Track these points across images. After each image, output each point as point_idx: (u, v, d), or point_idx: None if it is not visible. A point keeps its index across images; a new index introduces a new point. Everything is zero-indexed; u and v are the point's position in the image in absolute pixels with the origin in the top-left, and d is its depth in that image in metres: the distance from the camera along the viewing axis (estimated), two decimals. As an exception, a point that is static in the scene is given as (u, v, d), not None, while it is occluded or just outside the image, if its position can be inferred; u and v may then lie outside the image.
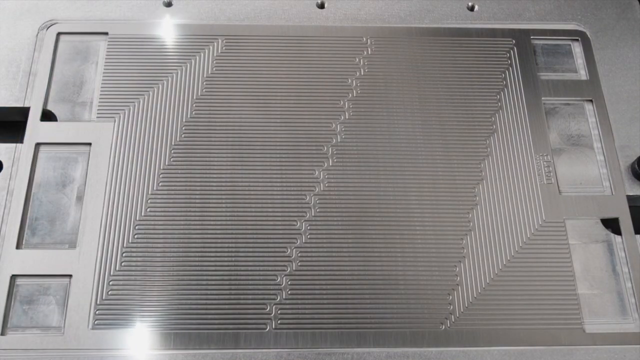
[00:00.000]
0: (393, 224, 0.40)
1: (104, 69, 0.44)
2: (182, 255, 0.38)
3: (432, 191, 0.41)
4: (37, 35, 0.45)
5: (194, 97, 0.43)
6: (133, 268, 0.38)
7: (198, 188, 0.40)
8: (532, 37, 0.47)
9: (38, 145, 0.41)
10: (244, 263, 0.38)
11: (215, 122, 0.43)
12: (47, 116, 0.43)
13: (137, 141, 0.42)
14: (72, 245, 0.39)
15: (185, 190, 0.40)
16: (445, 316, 0.38)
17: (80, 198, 0.40)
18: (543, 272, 0.39)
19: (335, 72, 0.45)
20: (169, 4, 0.47)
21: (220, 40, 0.45)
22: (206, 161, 0.41)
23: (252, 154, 0.42)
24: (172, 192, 0.40)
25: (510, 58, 0.46)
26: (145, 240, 0.39)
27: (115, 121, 0.42)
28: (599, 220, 0.41)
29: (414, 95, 0.44)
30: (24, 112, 0.43)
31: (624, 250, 0.40)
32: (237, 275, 0.38)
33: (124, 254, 0.38)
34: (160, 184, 0.40)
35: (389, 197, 0.41)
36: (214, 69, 0.44)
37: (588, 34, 0.47)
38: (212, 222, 0.39)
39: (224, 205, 0.40)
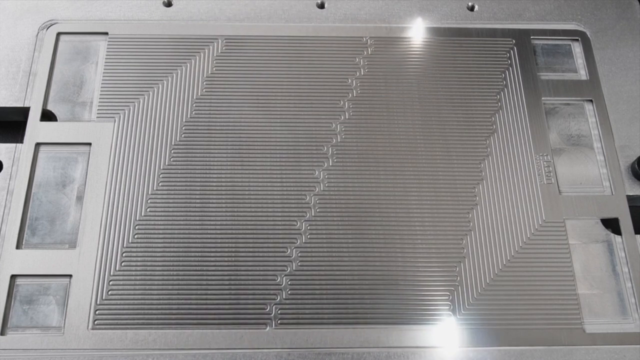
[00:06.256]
0: (393, 223, 0.40)
1: (104, 69, 0.44)
2: (182, 255, 0.38)
3: (432, 191, 0.41)
4: (37, 35, 0.45)
5: (194, 97, 0.43)
6: (133, 268, 0.38)
7: (198, 188, 0.40)
8: (532, 37, 0.47)
9: (38, 145, 0.41)
10: (244, 263, 0.38)
11: (215, 122, 0.43)
12: (47, 116, 0.43)
13: (137, 141, 0.42)
14: (72, 245, 0.39)
15: (185, 190, 0.40)
16: (446, 316, 0.38)
17: (80, 198, 0.40)
18: (543, 272, 0.39)
19: (335, 72, 0.45)
20: (169, 4, 0.47)
21: (220, 40, 0.45)
22: (206, 161, 0.41)
23: (252, 154, 0.42)
24: (172, 192, 0.40)
25: (510, 58, 0.46)
26: (145, 240, 0.39)
27: (115, 121, 0.42)
28: (599, 220, 0.41)
29: (414, 95, 0.44)
30: (24, 112, 0.43)
31: (624, 250, 0.40)
32: (237, 275, 0.38)
33: (124, 254, 0.38)
34: (160, 184, 0.40)
35: (389, 197, 0.41)
36: (214, 69, 0.44)
37: (588, 34, 0.47)
38: (212, 222, 0.39)
39: (224, 205, 0.40)
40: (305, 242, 0.39)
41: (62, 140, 0.42)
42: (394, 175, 0.41)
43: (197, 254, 0.39)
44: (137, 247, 0.39)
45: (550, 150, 0.43)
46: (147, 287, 0.38)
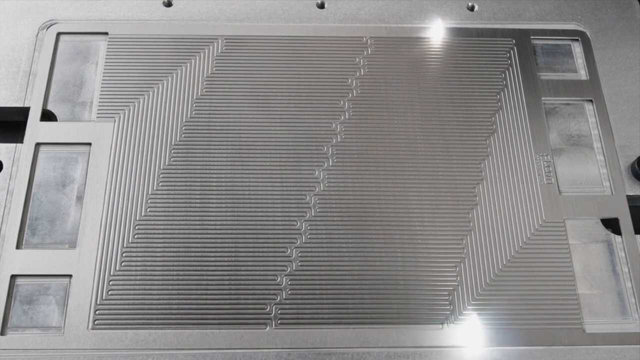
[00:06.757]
0: (393, 224, 0.40)
1: (104, 69, 0.44)
2: (182, 255, 0.38)
3: (432, 191, 0.41)
4: (37, 35, 0.45)
5: (194, 97, 0.43)
6: (133, 268, 0.38)
7: (198, 188, 0.40)
8: (532, 37, 0.47)
9: (38, 145, 0.41)
10: (244, 263, 0.38)
11: (215, 122, 0.43)
12: (47, 116, 0.43)
13: (137, 141, 0.42)
14: (72, 245, 0.39)
15: (185, 190, 0.40)
16: (446, 316, 0.38)
17: (80, 198, 0.40)
18: (543, 272, 0.39)
19: (335, 72, 0.45)
20: (169, 4, 0.47)
21: (220, 40, 0.45)
22: (206, 161, 0.41)
23: (252, 154, 0.42)
24: (172, 192, 0.40)
25: (510, 58, 0.46)
26: (145, 240, 0.39)
27: (115, 121, 0.42)
28: (599, 220, 0.41)
29: (414, 96, 0.44)
30: (24, 112, 0.43)
31: (624, 250, 0.40)
32: (237, 275, 0.38)
33: (124, 254, 0.38)
34: (160, 184, 0.40)
35: (389, 197, 0.41)
36: (214, 69, 0.44)
37: (588, 34, 0.47)
38: (212, 222, 0.39)
39: (224, 205, 0.40)
40: (305, 242, 0.39)
41: (62, 140, 0.42)
42: (394, 175, 0.41)
43: (197, 254, 0.39)
44: (137, 247, 0.39)
45: (550, 150, 0.43)
46: (147, 287, 0.38)
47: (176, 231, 0.39)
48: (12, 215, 0.39)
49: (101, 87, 0.43)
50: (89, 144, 0.41)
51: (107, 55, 0.45)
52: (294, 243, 0.39)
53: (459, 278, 0.39)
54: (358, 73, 0.45)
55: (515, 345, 0.37)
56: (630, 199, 0.42)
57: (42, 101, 0.43)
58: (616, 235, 0.41)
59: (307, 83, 0.44)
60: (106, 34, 0.45)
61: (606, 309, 0.39)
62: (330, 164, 0.42)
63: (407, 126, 0.43)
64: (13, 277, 0.38)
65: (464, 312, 0.38)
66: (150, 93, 0.43)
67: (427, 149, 0.42)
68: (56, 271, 0.38)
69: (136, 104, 0.43)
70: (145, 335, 0.36)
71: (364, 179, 0.41)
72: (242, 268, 0.38)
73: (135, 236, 0.39)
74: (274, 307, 0.37)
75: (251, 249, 0.39)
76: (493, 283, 0.39)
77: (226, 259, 0.38)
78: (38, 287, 0.38)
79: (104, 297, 0.37)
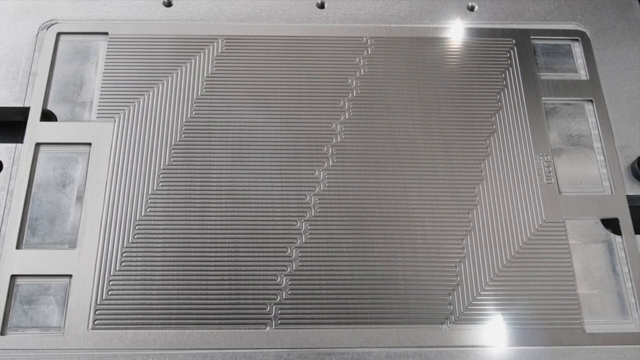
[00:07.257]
0: (393, 224, 0.40)
1: (104, 69, 0.44)
2: (182, 255, 0.38)
3: (432, 191, 0.41)
4: (37, 35, 0.45)
5: (194, 97, 0.43)
6: (133, 268, 0.38)
7: (198, 188, 0.40)
8: (532, 37, 0.47)
9: (38, 145, 0.41)
10: (244, 263, 0.38)
11: (215, 122, 0.43)
12: (47, 116, 0.43)
13: (137, 141, 0.42)
14: (72, 245, 0.39)
15: (185, 190, 0.40)
16: (445, 316, 0.38)
17: (80, 198, 0.40)
18: (543, 272, 0.39)
19: (335, 72, 0.45)
20: (169, 4, 0.47)
21: (220, 40, 0.45)
22: (206, 161, 0.41)
23: (252, 154, 0.42)
24: (172, 192, 0.40)
25: (510, 58, 0.46)
26: (145, 240, 0.39)
27: (115, 121, 0.42)
28: (599, 220, 0.41)
29: (414, 95, 0.44)
30: (24, 112, 0.43)
31: (624, 250, 0.40)
32: (237, 275, 0.38)
33: (124, 254, 0.38)
34: (160, 184, 0.40)
35: (389, 197, 0.41)
36: (214, 69, 0.44)
37: (588, 34, 0.47)
38: (212, 222, 0.39)
39: (224, 205, 0.40)
40: (305, 242, 0.39)
41: (62, 140, 0.42)
42: (394, 175, 0.41)
43: (197, 254, 0.39)
44: (137, 247, 0.39)
45: (550, 150, 0.43)
46: (147, 287, 0.38)
47: (176, 231, 0.39)
48: (12, 215, 0.39)
49: (101, 87, 0.43)
50: (89, 144, 0.41)
51: (107, 55, 0.45)
52: (294, 243, 0.39)
53: (458, 278, 0.39)
54: (358, 73, 0.45)
55: (515, 345, 0.37)
56: (630, 199, 0.42)
57: (42, 101, 0.43)
58: (616, 235, 0.41)
59: (307, 83, 0.44)
60: (106, 34, 0.45)
61: (606, 309, 0.39)
62: (330, 164, 0.42)
63: (407, 126, 0.43)
64: (13, 277, 0.38)
65: (464, 312, 0.38)
66: (150, 93, 0.43)
67: (427, 149, 0.42)
68: (56, 271, 0.38)
69: (136, 104, 0.43)
70: (145, 335, 0.36)
71: (364, 179, 0.41)
72: (242, 268, 0.38)
73: (135, 236, 0.39)
74: (274, 307, 0.37)
75: (251, 249, 0.39)
76: (493, 283, 0.39)
77: (226, 259, 0.38)
78: (38, 287, 0.38)
79: (104, 297, 0.37)
